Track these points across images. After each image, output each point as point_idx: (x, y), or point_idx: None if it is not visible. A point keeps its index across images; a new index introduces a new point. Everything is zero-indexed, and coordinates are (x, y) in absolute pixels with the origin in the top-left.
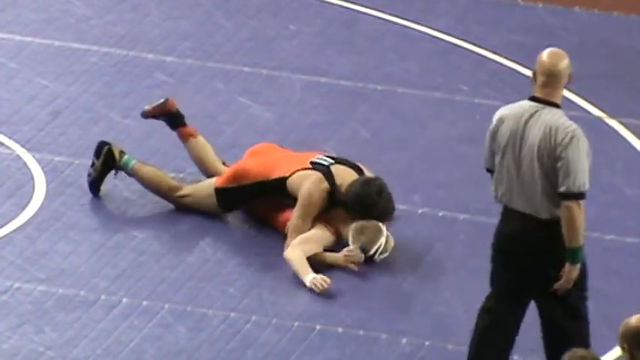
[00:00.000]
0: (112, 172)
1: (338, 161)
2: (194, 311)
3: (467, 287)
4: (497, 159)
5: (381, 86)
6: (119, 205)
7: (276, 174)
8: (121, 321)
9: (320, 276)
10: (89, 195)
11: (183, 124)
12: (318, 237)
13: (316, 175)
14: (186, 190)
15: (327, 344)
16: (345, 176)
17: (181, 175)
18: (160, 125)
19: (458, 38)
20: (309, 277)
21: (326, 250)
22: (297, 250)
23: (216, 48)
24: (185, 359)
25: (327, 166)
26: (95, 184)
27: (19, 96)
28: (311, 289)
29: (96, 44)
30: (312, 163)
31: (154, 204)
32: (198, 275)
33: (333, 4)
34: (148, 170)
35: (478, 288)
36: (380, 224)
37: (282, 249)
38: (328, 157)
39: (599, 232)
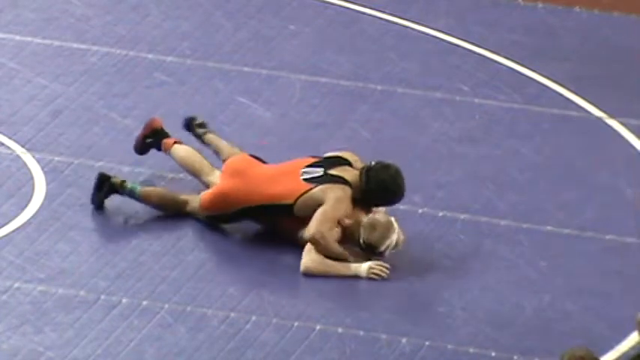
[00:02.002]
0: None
1: (326, 164)
2: (194, 311)
3: (467, 287)
4: None
5: (381, 86)
6: (119, 206)
7: (273, 198)
8: (121, 321)
9: (376, 263)
10: (89, 195)
11: (168, 137)
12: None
13: (334, 187)
14: (192, 203)
15: (327, 344)
16: (346, 172)
17: (181, 175)
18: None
19: (458, 38)
20: (365, 267)
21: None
22: (313, 255)
23: (216, 48)
24: (185, 359)
25: (323, 176)
26: (100, 208)
27: (19, 96)
28: (370, 278)
29: (96, 44)
30: (306, 180)
31: None
32: (198, 275)
33: (333, 4)
34: (156, 192)
35: (478, 288)
36: (392, 219)
37: (282, 248)
38: (313, 165)
39: (599, 232)
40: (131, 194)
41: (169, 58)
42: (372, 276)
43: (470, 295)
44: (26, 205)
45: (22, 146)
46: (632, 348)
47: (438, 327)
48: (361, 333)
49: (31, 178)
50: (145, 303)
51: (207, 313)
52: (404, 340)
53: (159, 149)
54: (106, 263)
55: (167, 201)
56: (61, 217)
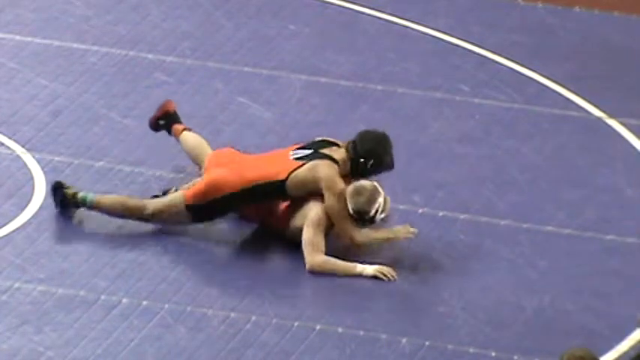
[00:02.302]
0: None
1: (314, 146)
2: (194, 311)
3: (467, 287)
4: None
5: (381, 86)
6: None
7: (265, 177)
8: (121, 321)
9: (385, 267)
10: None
11: (179, 122)
12: (320, 234)
13: (322, 163)
14: (151, 206)
15: (327, 344)
16: (334, 152)
17: (181, 175)
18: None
19: (458, 38)
20: (373, 269)
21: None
22: (319, 255)
23: (216, 48)
24: (185, 359)
25: (312, 154)
26: (65, 213)
27: (19, 96)
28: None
29: (96, 44)
30: (296, 159)
31: None
32: (198, 275)
33: (333, 4)
34: (107, 199)
35: (478, 288)
36: (375, 183)
37: (280, 247)
38: (302, 148)
39: (599, 232)
40: (83, 204)
41: (169, 58)
42: (379, 275)
43: (470, 295)
44: (26, 205)
45: (22, 146)
46: (632, 348)
47: (438, 327)
48: (361, 333)
49: (31, 178)
50: (145, 303)
51: (207, 313)
52: (404, 340)
53: (170, 133)
54: (106, 263)
55: (118, 207)
56: (61, 217)
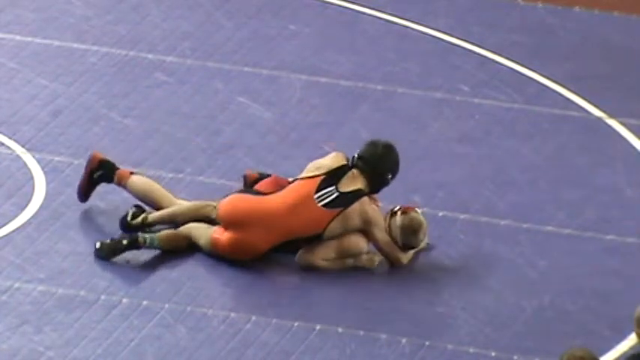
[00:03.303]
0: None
1: (333, 180)
2: (194, 311)
3: (467, 287)
4: None
5: (381, 86)
6: (119, 205)
7: (299, 233)
8: (121, 321)
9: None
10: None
11: (117, 168)
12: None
13: (354, 209)
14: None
15: (327, 344)
16: (354, 181)
17: (180, 176)
18: (160, 125)
19: (458, 38)
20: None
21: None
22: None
23: (216, 48)
24: (185, 359)
25: (339, 197)
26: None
27: (19, 96)
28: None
29: (96, 44)
30: (325, 206)
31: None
32: (198, 275)
33: (333, 4)
34: (167, 235)
35: (478, 288)
36: (421, 214)
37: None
38: (322, 187)
39: (599, 232)
40: (151, 246)
41: (169, 58)
42: (365, 264)
43: (470, 295)
44: (26, 205)
45: (22, 146)
46: (632, 348)
47: (438, 327)
48: (361, 333)
49: (31, 178)
50: (145, 303)
51: (207, 313)
52: (404, 340)
53: (110, 181)
54: (106, 263)
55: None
56: (61, 217)
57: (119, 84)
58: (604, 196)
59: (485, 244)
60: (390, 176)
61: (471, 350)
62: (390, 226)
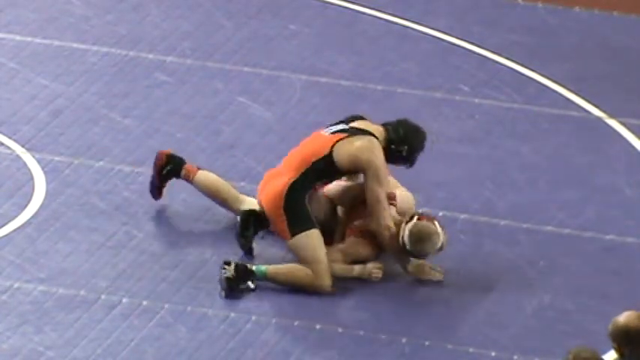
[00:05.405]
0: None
1: (345, 120)
2: (194, 311)
3: (467, 287)
4: None
5: (381, 86)
6: (119, 205)
7: (311, 156)
8: (121, 321)
9: (373, 264)
10: (89, 195)
11: (184, 162)
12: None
13: (362, 140)
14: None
15: (327, 344)
16: (370, 127)
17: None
18: (160, 125)
19: (458, 38)
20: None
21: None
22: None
23: (216, 48)
24: (185, 359)
25: (348, 129)
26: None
27: (19, 96)
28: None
29: (96, 44)
30: (333, 133)
31: (154, 204)
32: (198, 275)
33: (333, 4)
34: (280, 270)
35: (478, 288)
36: (435, 224)
37: (281, 248)
38: (332, 124)
39: (599, 232)
40: (259, 277)
41: (169, 58)
42: (372, 278)
43: (470, 295)
44: (26, 205)
45: (22, 146)
46: None
47: (438, 327)
48: (361, 333)
49: (31, 178)
50: (145, 303)
51: (207, 313)
52: (404, 340)
53: (178, 176)
54: (106, 263)
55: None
56: (61, 217)
57: (119, 84)
58: (604, 196)
59: (485, 244)
60: (404, 149)
61: (471, 350)
62: (402, 229)
